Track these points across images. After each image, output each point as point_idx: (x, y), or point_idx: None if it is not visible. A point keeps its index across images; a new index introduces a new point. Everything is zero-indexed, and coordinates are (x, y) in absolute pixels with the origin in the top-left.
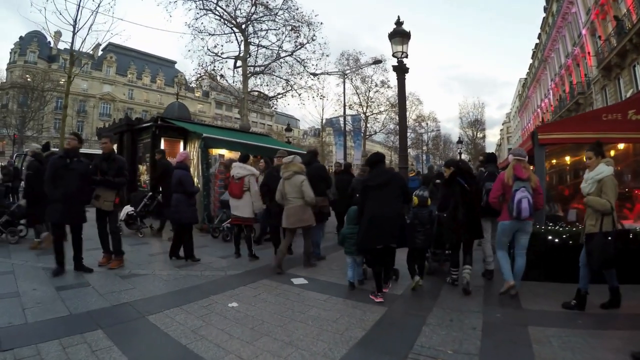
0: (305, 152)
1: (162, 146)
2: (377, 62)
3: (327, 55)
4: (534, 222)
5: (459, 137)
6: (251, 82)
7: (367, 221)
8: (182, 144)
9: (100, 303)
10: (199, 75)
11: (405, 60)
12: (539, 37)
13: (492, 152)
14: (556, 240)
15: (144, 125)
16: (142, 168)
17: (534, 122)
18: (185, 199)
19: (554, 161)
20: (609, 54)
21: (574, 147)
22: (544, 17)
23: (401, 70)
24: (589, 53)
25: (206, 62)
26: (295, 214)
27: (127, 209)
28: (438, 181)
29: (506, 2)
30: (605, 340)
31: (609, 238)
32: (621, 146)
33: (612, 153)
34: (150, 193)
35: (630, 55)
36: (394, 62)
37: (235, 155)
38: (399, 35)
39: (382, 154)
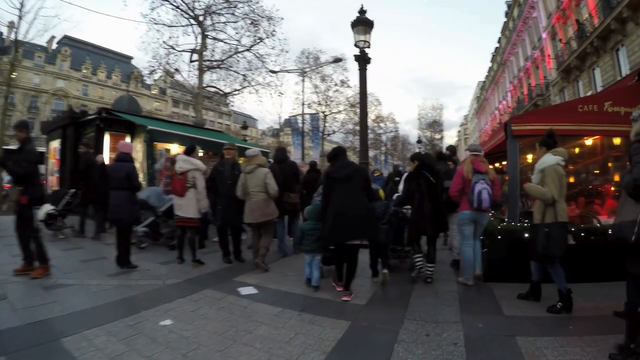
0: (277, 149)
1: (108, 141)
2: (337, 60)
3: (287, 52)
4: (509, 218)
5: (419, 137)
6: (207, 77)
7: (333, 215)
8: (129, 139)
9: (12, 321)
10: (152, 69)
11: (367, 51)
12: (499, 41)
13: (451, 146)
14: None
15: (89, 118)
16: None
17: (492, 124)
18: (129, 197)
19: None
20: (569, 56)
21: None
22: (504, 22)
23: (363, 60)
24: (548, 56)
25: (161, 55)
26: (259, 208)
27: (47, 207)
28: (397, 179)
29: (468, 7)
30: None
31: (546, 230)
32: (589, 142)
33: (577, 150)
34: (73, 190)
35: (590, 58)
36: (354, 63)
37: None
38: (362, 23)
39: (343, 147)
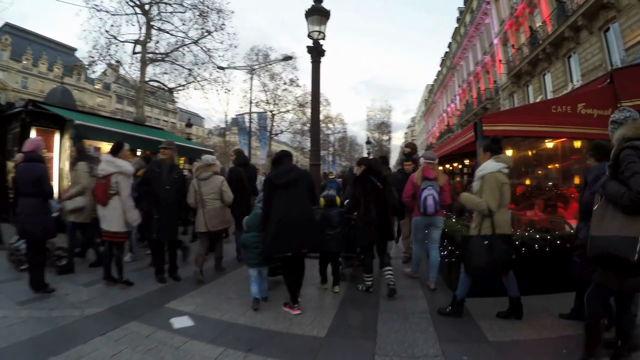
0: (237, 152)
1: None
2: (287, 58)
3: (235, 47)
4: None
5: (368, 138)
6: (150, 70)
7: (275, 225)
8: (58, 135)
9: None
10: (92, 59)
11: (322, 42)
12: (449, 46)
13: (410, 143)
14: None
15: (15, 111)
16: (12, 165)
17: (439, 126)
18: (40, 205)
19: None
20: (521, 62)
21: (519, 140)
22: (456, 27)
23: (317, 52)
24: (500, 61)
25: (102, 45)
26: (217, 216)
27: None
28: None
29: (420, 13)
30: None
31: (485, 242)
32: (550, 144)
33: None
34: None
35: (542, 64)
36: (304, 62)
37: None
38: (317, 13)
39: (288, 151)
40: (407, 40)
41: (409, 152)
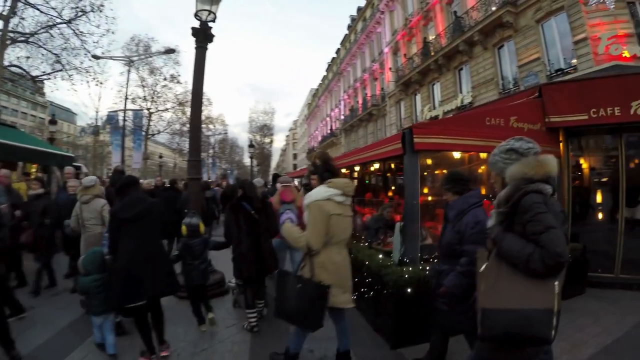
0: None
1: None
2: (169, 51)
3: (113, 32)
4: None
5: (251, 141)
6: (11, 52)
7: (124, 268)
8: None
9: None
10: None
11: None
12: (337, 52)
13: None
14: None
15: None
16: None
17: (322, 130)
18: None
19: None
20: (411, 71)
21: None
22: (346, 34)
23: (204, 35)
24: (390, 69)
25: None
26: (97, 242)
27: None
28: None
29: (315, 16)
30: None
31: (298, 286)
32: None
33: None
34: None
35: (432, 75)
36: (188, 58)
37: None
38: None
39: (134, 177)
40: (297, 45)
41: (317, 163)
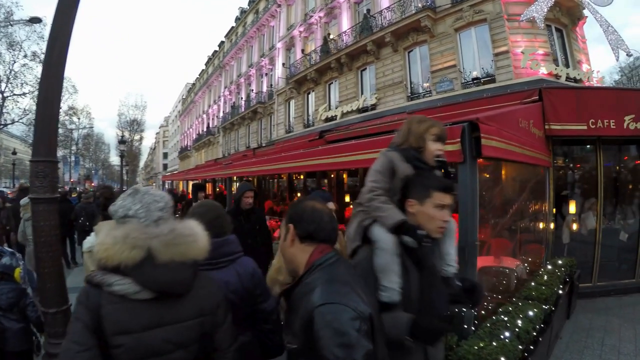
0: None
1: None
2: (34, 20)
3: None
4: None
5: (121, 137)
6: None
7: None
8: None
9: None
10: None
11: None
12: (221, 45)
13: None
14: None
15: None
16: None
17: (198, 127)
18: None
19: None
20: (308, 68)
21: None
22: (232, 27)
23: None
24: (283, 64)
25: None
26: None
27: None
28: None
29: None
30: None
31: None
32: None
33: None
34: None
35: (331, 73)
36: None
37: None
38: None
39: None
40: (178, 37)
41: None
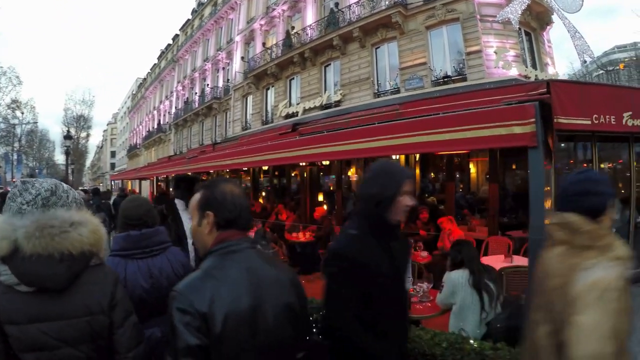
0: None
1: None
2: None
3: None
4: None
5: (68, 132)
6: None
7: None
8: None
9: None
10: None
11: None
12: (175, 38)
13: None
14: None
15: None
16: None
17: (148, 124)
18: None
19: None
20: (268, 62)
21: None
22: (188, 19)
23: None
24: (242, 58)
25: None
26: None
27: None
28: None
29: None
30: None
31: None
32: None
33: None
34: None
35: (293, 68)
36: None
37: None
38: None
39: None
40: (132, 29)
41: None
